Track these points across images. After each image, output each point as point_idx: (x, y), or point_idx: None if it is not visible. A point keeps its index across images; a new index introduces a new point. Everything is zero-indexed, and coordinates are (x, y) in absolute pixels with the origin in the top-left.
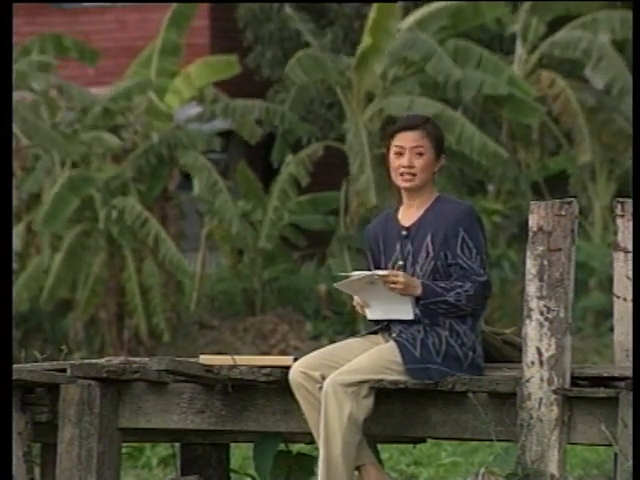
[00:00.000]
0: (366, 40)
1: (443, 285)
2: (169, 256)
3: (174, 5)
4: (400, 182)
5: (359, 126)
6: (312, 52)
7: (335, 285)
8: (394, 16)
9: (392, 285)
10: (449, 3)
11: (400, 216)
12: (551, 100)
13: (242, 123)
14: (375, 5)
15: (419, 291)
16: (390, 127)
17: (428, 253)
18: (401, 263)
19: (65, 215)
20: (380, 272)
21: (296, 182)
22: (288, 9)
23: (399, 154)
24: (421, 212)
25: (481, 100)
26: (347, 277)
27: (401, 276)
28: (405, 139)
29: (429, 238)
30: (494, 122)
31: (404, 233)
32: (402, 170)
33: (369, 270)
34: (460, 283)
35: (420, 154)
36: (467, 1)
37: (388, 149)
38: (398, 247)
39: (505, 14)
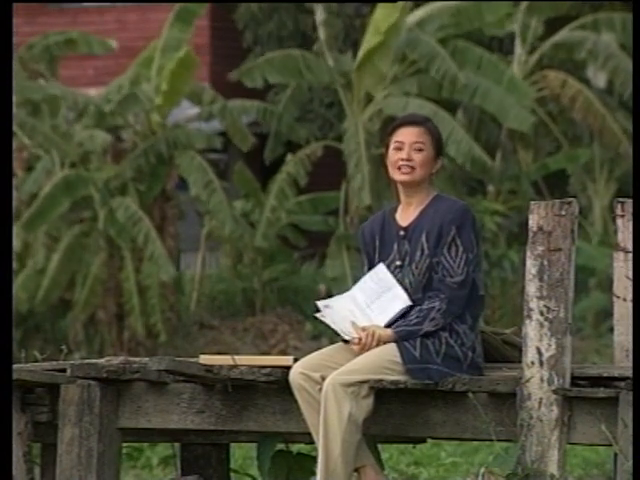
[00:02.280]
0: (371, 39)
1: (415, 319)
2: (155, 255)
3: (178, 4)
4: (397, 175)
5: (358, 126)
6: (314, 52)
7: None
8: (401, 14)
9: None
10: (450, 3)
11: (398, 216)
12: (567, 101)
13: (233, 129)
14: (379, 4)
15: (392, 340)
16: (391, 124)
17: (423, 251)
18: (399, 263)
19: (54, 216)
20: (348, 337)
21: (295, 181)
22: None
23: (398, 149)
24: (418, 211)
25: (479, 103)
26: (325, 315)
27: (369, 336)
28: (406, 134)
29: (424, 236)
30: (494, 122)
31: (402, 233)
32: (400, 163)
33: (366, 266)
34: (432, 304)
35: (420, 149)
36: (468, 1)
37: (387, 146)
38: (395, 247)
39: (506, 15)
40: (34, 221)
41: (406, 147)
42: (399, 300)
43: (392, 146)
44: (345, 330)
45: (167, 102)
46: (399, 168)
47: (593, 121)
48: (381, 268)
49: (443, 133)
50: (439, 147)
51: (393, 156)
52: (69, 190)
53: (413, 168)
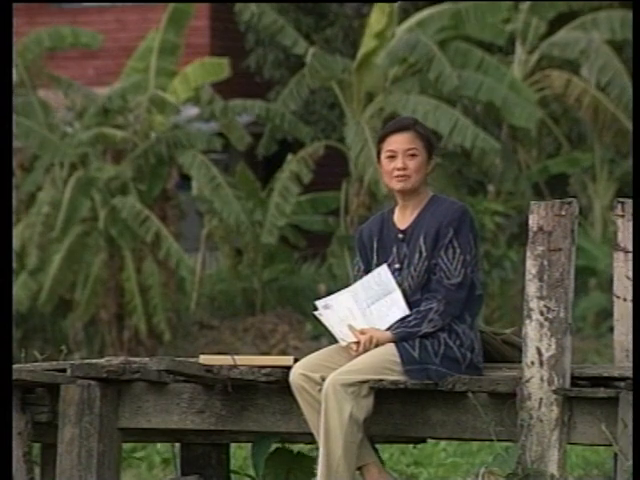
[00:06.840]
0: (369, 42)
1: (414, 321)
2: (171, 252)
3: (172, 4)
4: (394, 184)
5: (361, 123)
6: (319, 54)
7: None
8: (392, 18)
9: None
10: (450, 5)
11: (396, 218)
12: (572, 101)
13: (230, 128)
14: (376, 6)
15: (391, 341)
16: (380, 131)
17: (421, 253)
18: (397, 266)
19: (79, 218)
20: (346, 340)
21: (298, 181)
22: (254, 7)
23: (392, 157)
24: (416, 214)
25: (480, 102)
26: (323, 315)
27: (367, 341)
28: (397, 142)
29: (422, 239)
30: (495, 124)
31: (400, 236)
32: (396, 172)
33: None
34: (429, 305)
35: (413, 155)
36: (468, 1)
37: (379, 153)
38: (394, 250)
39: (506, 16)
40: (64, 228)
41: (399, 155)
42: (397, 308)
43: (384, 155)
44: (342, 334)
45: (176, 104)
46: (395, 177)
47: (600, 120)
48: (384, 269)
49: (447, 126)
50: (431, 147)
51: (387, 165)
52: (84, 191)
53: (409, 176)
